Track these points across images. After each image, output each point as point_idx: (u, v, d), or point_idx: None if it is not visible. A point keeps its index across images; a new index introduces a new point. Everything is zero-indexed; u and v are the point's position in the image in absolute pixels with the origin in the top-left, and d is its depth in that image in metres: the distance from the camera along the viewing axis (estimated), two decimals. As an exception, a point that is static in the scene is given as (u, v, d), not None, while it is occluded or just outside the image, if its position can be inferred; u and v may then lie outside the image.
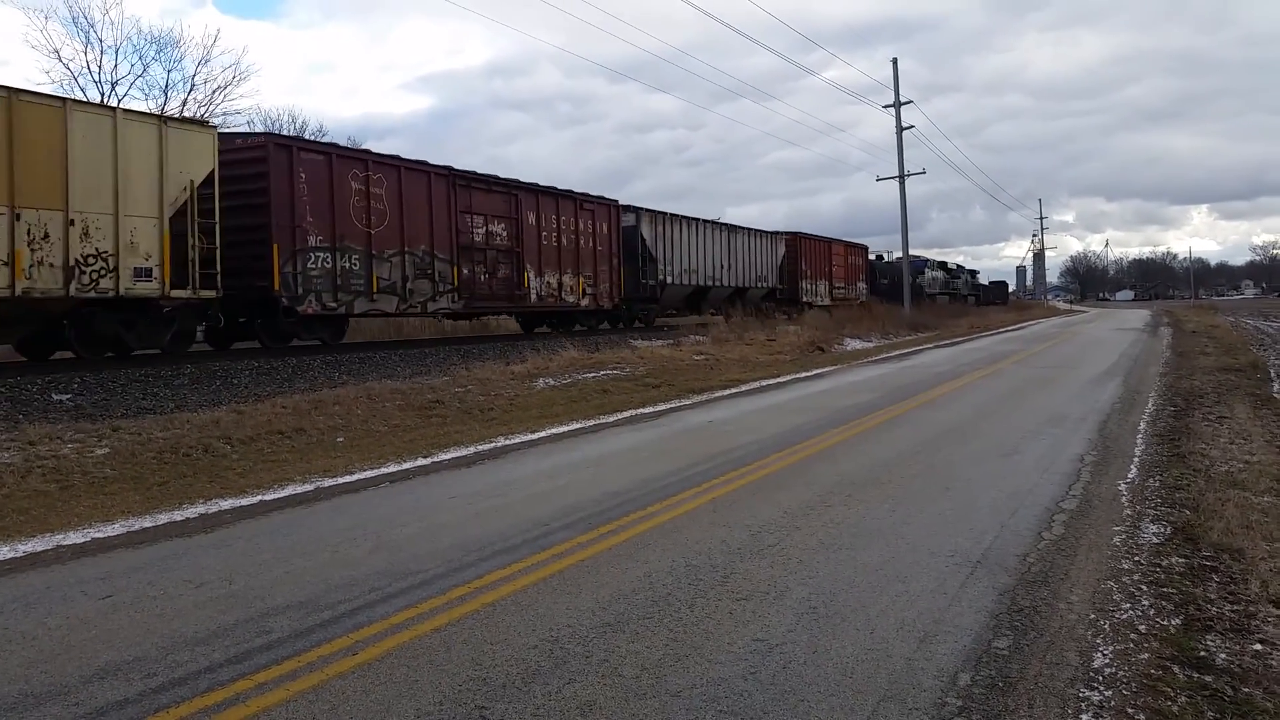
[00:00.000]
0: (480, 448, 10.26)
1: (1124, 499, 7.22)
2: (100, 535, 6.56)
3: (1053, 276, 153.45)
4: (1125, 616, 4.69)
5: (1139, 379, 16.62)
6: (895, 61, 43.37)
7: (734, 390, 16.00)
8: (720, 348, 23.46)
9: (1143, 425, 10.99)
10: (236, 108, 32.87)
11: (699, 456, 9.24)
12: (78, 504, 7.58)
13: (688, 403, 14.36)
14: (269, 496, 7.79)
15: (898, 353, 25.98)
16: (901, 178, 43.38)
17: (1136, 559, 5.64)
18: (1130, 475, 8.11)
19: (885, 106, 44.14)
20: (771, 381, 17.50)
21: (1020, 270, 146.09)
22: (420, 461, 9.46)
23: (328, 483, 8.36)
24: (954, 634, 4.41)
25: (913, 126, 43.87)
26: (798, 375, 18.77)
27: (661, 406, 13.85)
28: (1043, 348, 27.08)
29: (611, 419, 12.54)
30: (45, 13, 37.14)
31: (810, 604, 4.79)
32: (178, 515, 7.13)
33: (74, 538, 6.50)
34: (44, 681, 3.96)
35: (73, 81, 30.12)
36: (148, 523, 6.91)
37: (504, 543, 6.07)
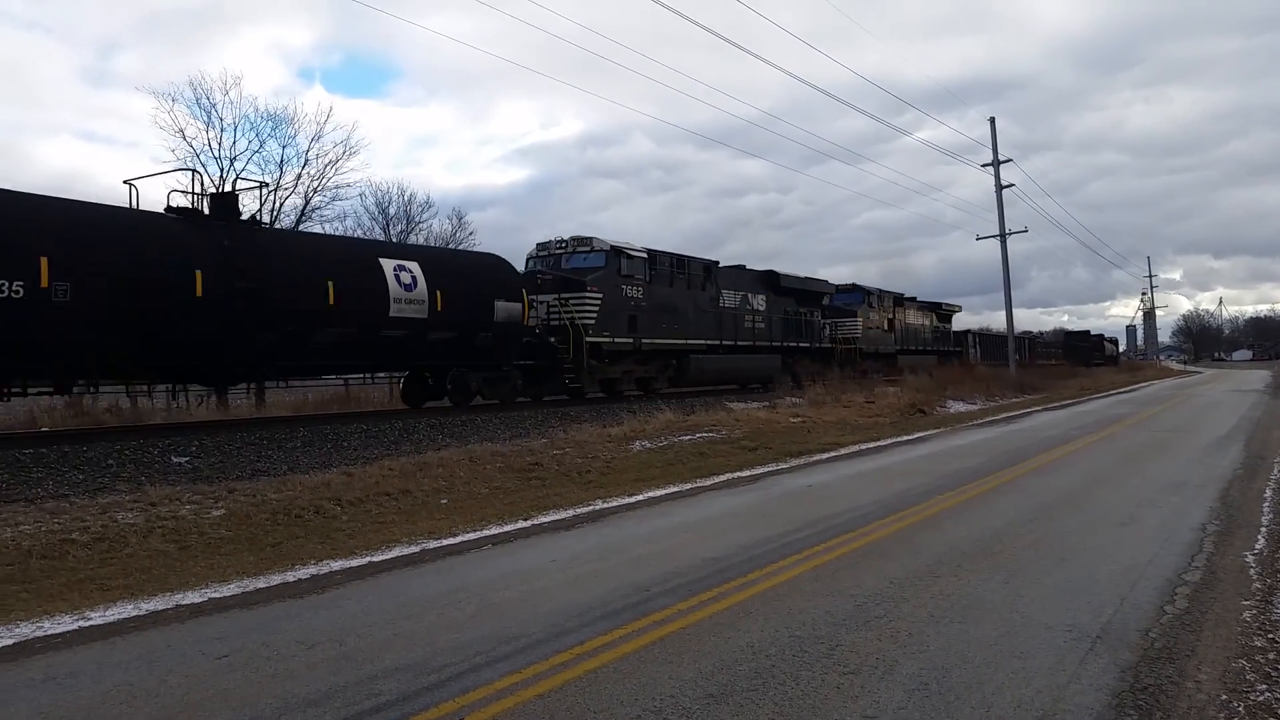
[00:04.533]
0: (579, 510, 10.31)
1: (1252, 571, 6.83)
2: (216, 595, 6.79)
3: (1164, 336, 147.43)
4: (1262, 698, 4.42)
5: (1262, 443, 15.77)
6: (993, 121, 42.84)
7: (832, 454, 15.77)
8: (817, 410, 23.18)
9: (1269, 493, 10.40)
10: (347, 180, 34.32)
11: (799, 522, 9.11)
12: (195, 564, 7.87)
13: (785, 466, 14.20)
14: (377, 558, 7.97)
15: (1004, 415, 25.26)
16: (1003, 236, 42.53)
17: (1270, 636, 5.31)
18: (1258, 546, 7.67)
19: (984, 165, 43.50)
20: (871, 445, 17.19)
21: (1130, 330, 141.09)
22: (520, 524, 9.55)
23: (433, 544, 8.51)
24: (1074, 713, 4.22)
25: (1012, 185, 43.02)
26: (899, 439, 18.39)
27: (759, 470, 13.72)
28: (1157, 410, 25.98)
29: (708, 482, 12.48)
30: (172, 96, 39.56)
31: (921, 679, 4.64)
32: (290, 576, 7.34)
33: (192, 597, 6.74)
34: (167, 738, 4.09)
35: (195, 158, 31.97)
36: (261, 583, 7.13)
37: (604, 608, 6.06)
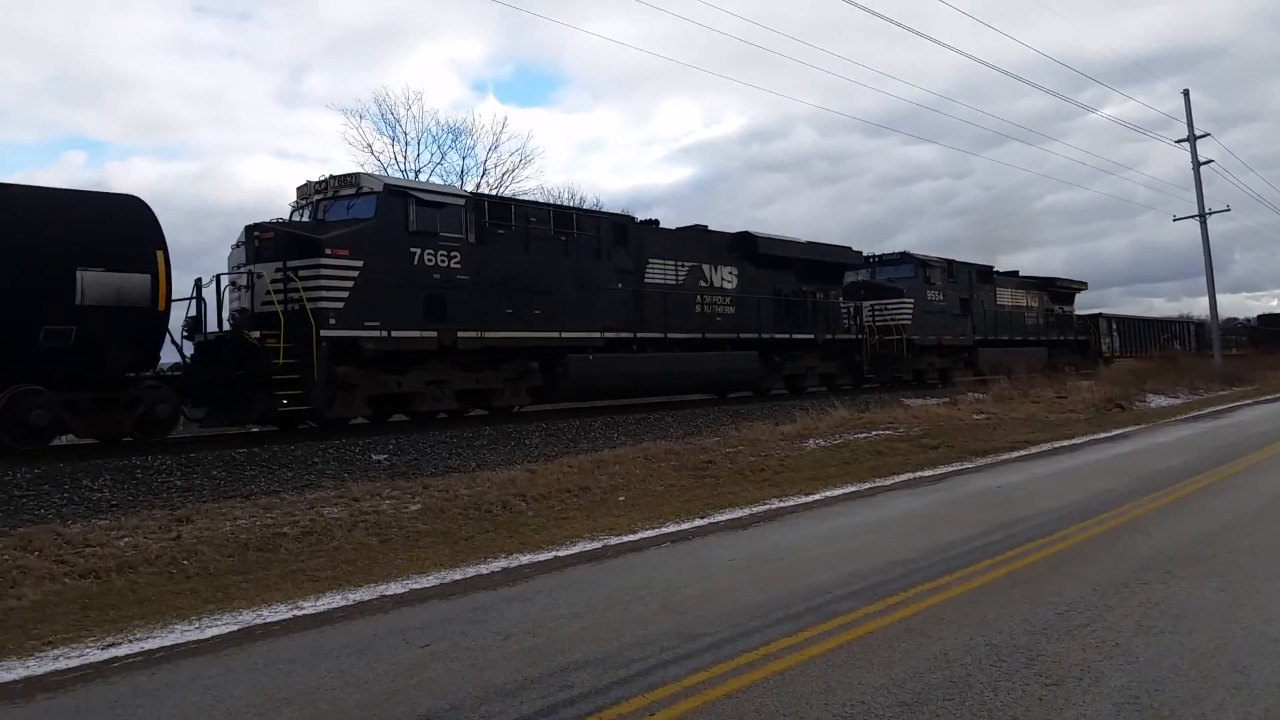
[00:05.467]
0: (754, 510, 10.27)
1: None
2: (416, 586, 7.16)
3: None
4: None
5: None
6: (1187, 94, 39.62)
7: (1022, 452, 15.06)
8: (1003, 406, 22.20)
9: None
10: (523, 188, 35.40)
11: (989, 524, 8.74)
12: (396, 556, 8.32)
13: (970, 465, 13.67)
14: (562, 553, 8.20)
15: (1209, 410, 23.46)
16: (1202, 216, 39.43)
17: None
18: None
19: (1178, 141, 40.42)
20: (1065, 443, 16.32)
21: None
22: (697, 522, 9.61)
23: (614, 541, 8.68)
24: (1313, 739, 3.86)
25: (1210, 161, 39.40)
26: (1095, 436, 17.38)
27: (942, 469, 13.27)
28: (1395, 403, 23.48)
29: (888, 482, 12.16)
30: (360, 113, 41.99)
31: (1131, 693, 4.37)
32: (483, 569, 7.65)
33: (394, 588, 7.13)
34: (378, 722, 4.34)
35: (382, 170, 33.78)
36: (457, 575, 7.47)
37: (786, 610, 6.01)
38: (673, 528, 9.32)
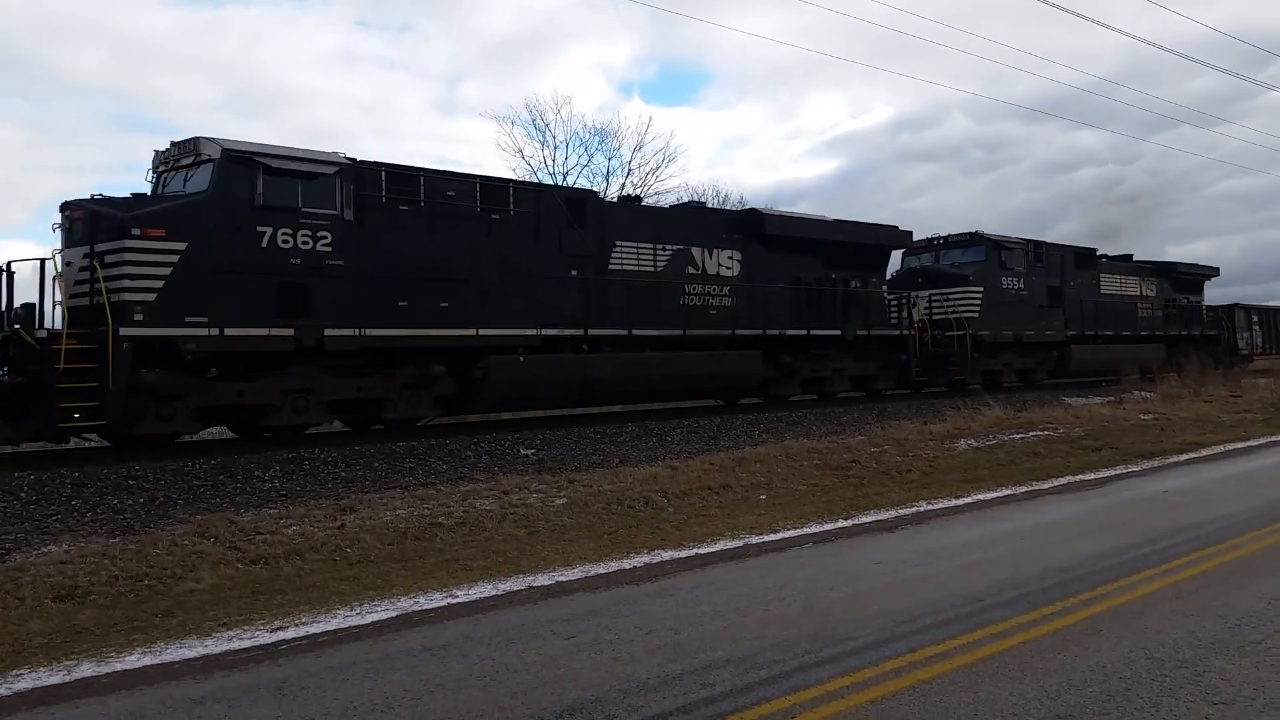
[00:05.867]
0: (901, 512, 10.04)
1: None
2: (563, 579, 7.34)
3: None
4: None
5: None
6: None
7: (1192, 455, 14.18)
8: (1172, 405, 20.93)
9: None
10: (666, 187, 35.64)
11: (1154, 531, 8.29)
12: (543, 549, 8.55)
13: (1136, 469, 12.97)
14: (703, 550, 8.25)
15: None
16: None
17: None
18: None
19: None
20: (1239, 445, 15.27)
21: None
22: (841, 523, 9.47)
23: (754, 540, 8.67)
24: None
25: None
26: (1273, 438, 16.19)
27: (1105, 473, 12.64)
28: None
29: (1046, 485, 11.67)
30: (511, 119, 43.20)
31: (1313, 718, 4.08)
32: (626, 564, 7.79)
33: (541, 580, 7.33)
34: (525, 713, 4.48)
35: (532, 175, 34.63)
36: (601, 569, 7.62)
37: (934, 616, 5.87)
38: (815, 528, 9.23)
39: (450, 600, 6.81)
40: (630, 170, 36.82)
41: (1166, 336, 31.46)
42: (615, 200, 18.30)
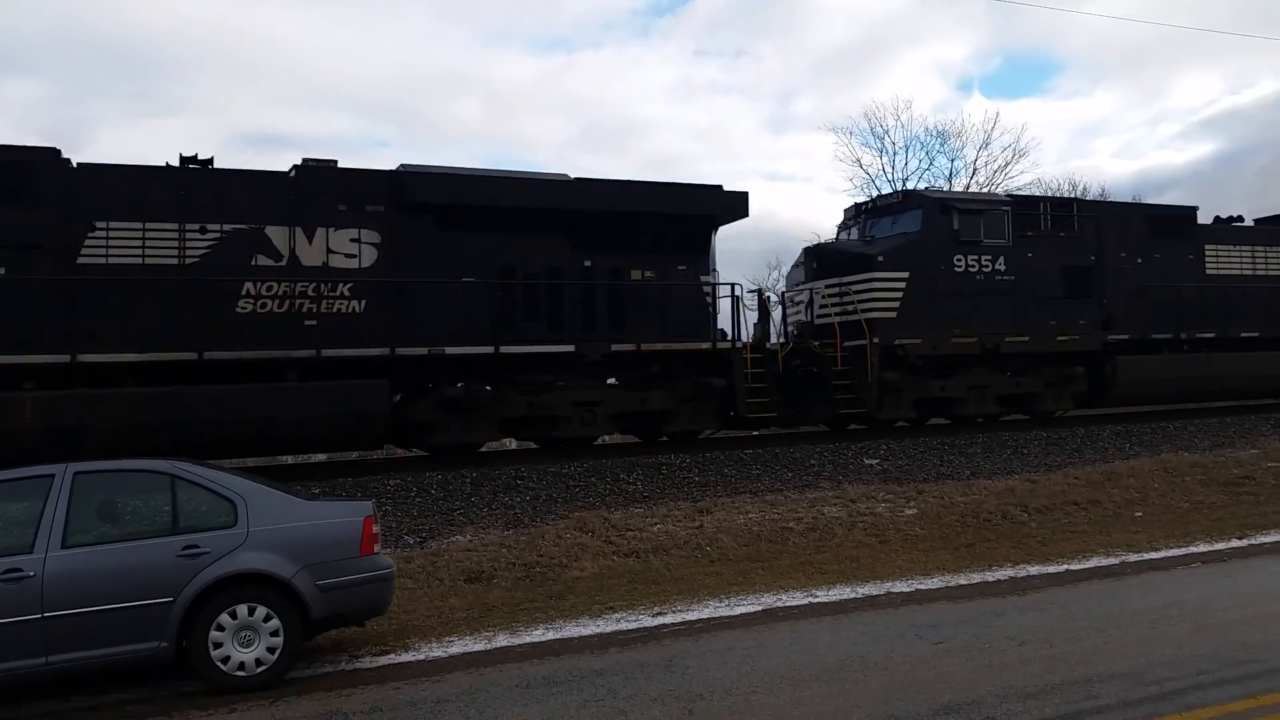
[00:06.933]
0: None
1: None
2: (922, 587, 7.35)
3: None
4: None
5: None
6: None
7: None
8: None
9: None
10: (1016, 184, 33.74)
11: None
12: (896, 557, 8.57)
13: None
14: (1074, 566, 7.89)
15: None
16: None
17: None
18: None
19: None
20: None
21: None
22: (1234, 543, 8.66)
23: (1132, 558, 8.14)
24: None
25: None
26: None
27: None
28: None
29: None
30: (849, 130, 42.99)
31: None
32: (989, 576, 7.63)
33: (900, 586, 7.38)
34: (901, 708, 4.60)
35: (870, 184, 34.21)
36: (962, 580, 7.53)
37: (1361, 645, 5.24)
38: (1203, 547, 8.50)
39: (811, 600, 7.06)
40: (975, 170, 35.18)
41: None
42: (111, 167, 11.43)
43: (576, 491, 11.38)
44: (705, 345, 13.71)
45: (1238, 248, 18.53)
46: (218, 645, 5.36)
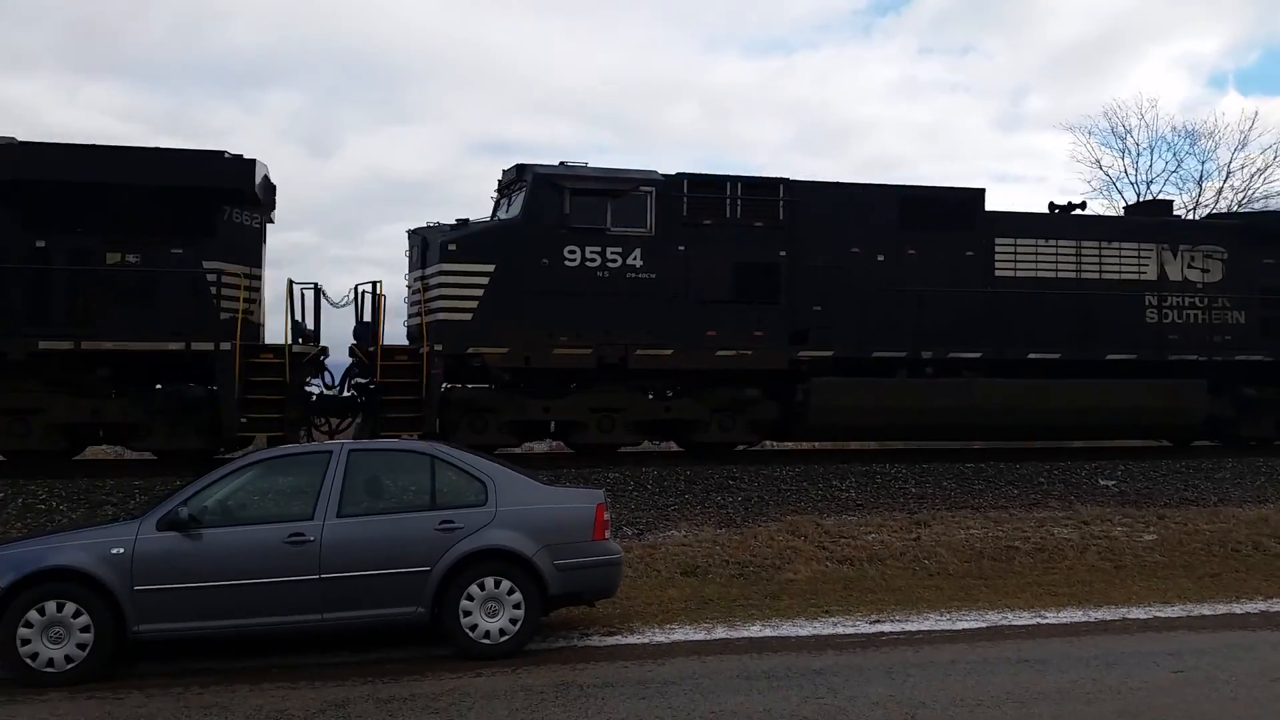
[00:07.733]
0: None
1: None
2: (1161, 614, 6.99)
3: None
4: None
5: None
6: None
7: None
8: None
9: None
10: (1277, 189, 30.66)
11: None
12: (1132, 583, 8.16)
13: None
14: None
15: None
16: None
17: None
18: None
19: None
20: None
21: None
22: None
23: None
24: None
25: None
26: None
27: None
28: None
29: None
30: (1088, 129, 40.35)
31: None
32: (1236, 608, 7.16)
33: (1137, 613, 7.05)
34: (1137, 732, 4.46)
35: (1110, 186, 32.13)
36: (1205, 610, 7.10)
37: None
38: None
39: (1039, 620, 6.88)
40: (1230, 173, 32.29)
41: (1217, 365, 13.96)
42: None
43: (788, 495, 11.47)
44: (180, 345, 11.12)
45: (1046, 242, 14.21)
46: (467, 614, 5.88)
